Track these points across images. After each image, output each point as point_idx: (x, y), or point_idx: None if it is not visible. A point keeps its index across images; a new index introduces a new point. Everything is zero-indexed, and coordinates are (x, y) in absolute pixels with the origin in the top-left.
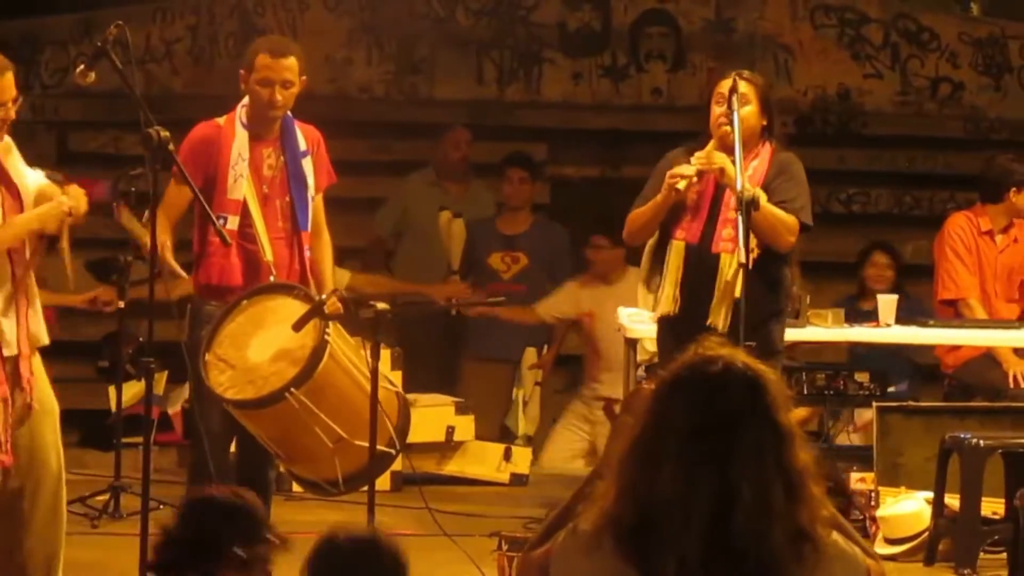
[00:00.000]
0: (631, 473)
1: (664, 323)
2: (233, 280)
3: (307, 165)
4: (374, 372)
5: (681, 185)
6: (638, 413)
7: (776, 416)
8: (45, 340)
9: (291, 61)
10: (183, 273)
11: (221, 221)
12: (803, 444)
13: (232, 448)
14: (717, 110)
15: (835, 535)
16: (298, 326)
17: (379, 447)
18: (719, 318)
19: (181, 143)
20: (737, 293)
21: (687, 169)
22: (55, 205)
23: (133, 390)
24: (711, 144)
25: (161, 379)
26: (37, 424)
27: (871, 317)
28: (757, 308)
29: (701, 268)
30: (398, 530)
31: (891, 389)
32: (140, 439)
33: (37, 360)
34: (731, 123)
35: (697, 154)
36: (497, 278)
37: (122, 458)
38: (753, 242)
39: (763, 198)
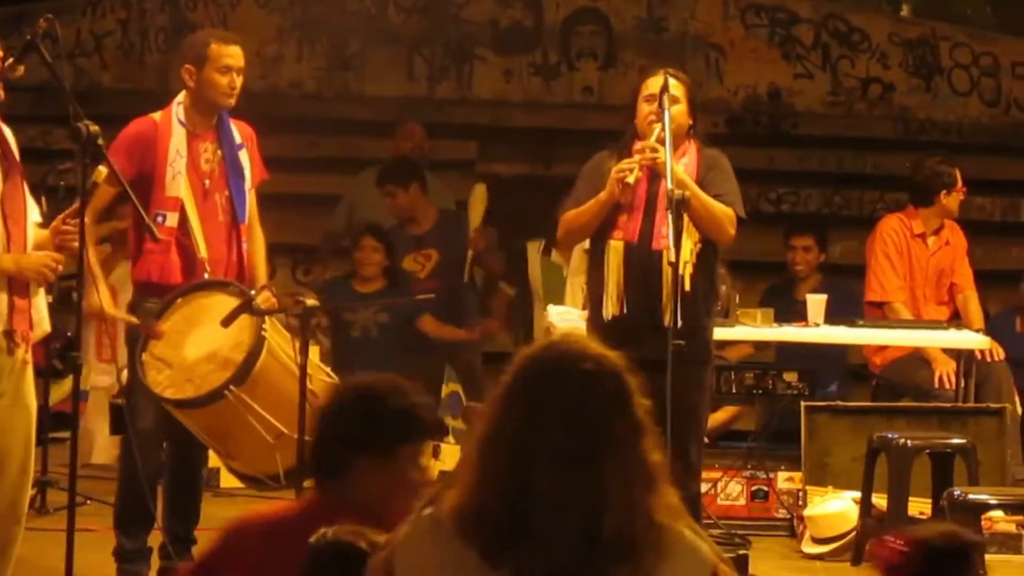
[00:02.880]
0: (497, 464)
1: (610, 325)
2: (172, 277)
3: (244, 157)
4: (303, 368)
5: (631, 179)
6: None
7: (637, 411)
8: (45, 327)
9: (240, 48)
10: (131, 319)
11: (160, 219)
12: (654, 436)
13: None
14: (646, 108)
15: (683, 527)
16: (227, 322)
17: None
18: (669, 316)
19: (113, 138)
20: (667, 289)
21: (633, 163)
22: (40, 261)
23: (63, 389)
24: (652, 136)
25: (88, 374)
26: (9, 416)
27: (801, 315)
28: (696, 308)
29: (644, 266)
30: None
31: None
32: (67, 434)
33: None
34: (661, 120)
35: (641, 144)
36: (415, 278)
37: (49, 453)
38: (696, 236)
39: (698, 191)
